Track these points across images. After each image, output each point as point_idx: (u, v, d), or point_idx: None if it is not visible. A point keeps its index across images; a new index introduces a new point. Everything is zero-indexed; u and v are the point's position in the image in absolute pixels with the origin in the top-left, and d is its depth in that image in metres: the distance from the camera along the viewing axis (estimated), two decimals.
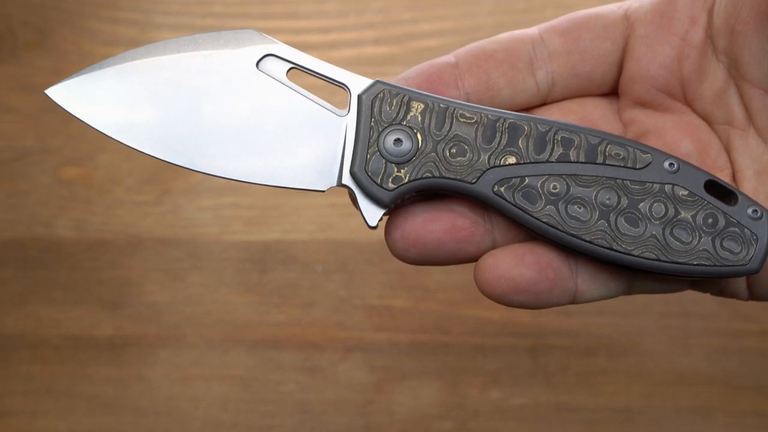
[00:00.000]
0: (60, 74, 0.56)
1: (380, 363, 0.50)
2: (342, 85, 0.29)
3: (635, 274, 0.31)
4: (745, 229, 0.29)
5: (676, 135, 0.31)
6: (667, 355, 0.49)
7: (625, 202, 0.29)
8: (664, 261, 0.29)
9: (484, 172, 0.28)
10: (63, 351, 0.50)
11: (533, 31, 0.32)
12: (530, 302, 0.30)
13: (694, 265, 0.29)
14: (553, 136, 0.29)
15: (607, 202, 0.29)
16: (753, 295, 0.31)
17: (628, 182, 0.29)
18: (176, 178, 0.54)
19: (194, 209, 0.53)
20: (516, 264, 0.29)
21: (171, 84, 0.29)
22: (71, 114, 0.29)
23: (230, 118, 0.29)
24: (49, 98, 0.30)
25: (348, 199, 0.30)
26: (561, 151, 0.29)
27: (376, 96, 0.29)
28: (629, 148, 0.29)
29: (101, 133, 0.29)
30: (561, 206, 0.29)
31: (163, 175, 0.54)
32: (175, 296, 0.51)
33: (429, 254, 0.30)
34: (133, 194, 0.54)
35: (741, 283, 0.31)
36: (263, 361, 0.50)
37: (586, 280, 0.30)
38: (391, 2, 0.57)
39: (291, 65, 0.29)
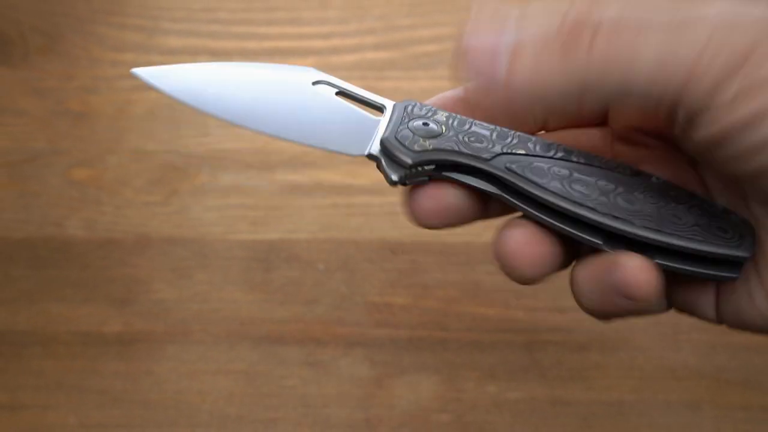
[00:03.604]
0: (69, 78, 0.57)
1: (380, 358, 0.50)
2: (380, 105, 0.33)
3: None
4: (734, 216, 0.30)
5: (654, 168, 0.32)
6: (658, 350, 0.49)
7: (620, 189, 0.31)
8: (661, 231, 0.30)
9: (498, 155, 0.31)
10: (73, 347, 0.50)
11: None
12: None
13: (689, 238, 0.29)
14: (556, 146, 0.32)
15: (605, 187, 0.31)
16: (720, 319, 0.31)
17: (624, 177, 0.31)
18: (183, 179, 0.54)
19: (201, 209, 0.53)
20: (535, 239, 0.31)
21: (239, 77, 0.33)
22: (151, 85, 0.32)
23: (286, 103, 0.33)
24: (134, 76, 0.33)
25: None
26: (563, 154, 0.31)
27: (408, 104, 0.33)
28: (620, 163, 0.31)
29: (179, 101, 0.33)
30: (566, 183, 0.31)
31: (170, 177, 0.54)
32: (182, 294, 0.52)
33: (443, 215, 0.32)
34: (142, 195, 0.54)
35: (710, 308, 0.32)
36: (267, 357, 0.50)
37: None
38: (391, 9, 0.58)
39: (338, 89, 0.34)
